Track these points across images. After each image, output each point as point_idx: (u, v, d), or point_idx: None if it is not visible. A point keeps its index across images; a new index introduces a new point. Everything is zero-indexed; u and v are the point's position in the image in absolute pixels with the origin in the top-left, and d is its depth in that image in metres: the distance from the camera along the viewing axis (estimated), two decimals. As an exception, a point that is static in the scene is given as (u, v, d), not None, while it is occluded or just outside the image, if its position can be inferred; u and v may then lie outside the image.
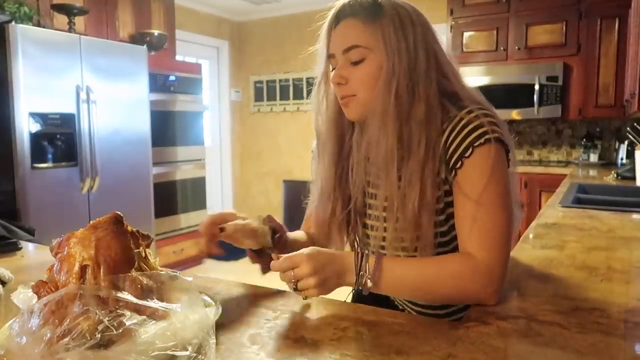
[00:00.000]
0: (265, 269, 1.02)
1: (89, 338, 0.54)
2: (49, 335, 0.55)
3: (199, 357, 0.57)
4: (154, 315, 0.59)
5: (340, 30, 0.92)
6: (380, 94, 0.88)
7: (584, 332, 0.73)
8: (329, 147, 1.01)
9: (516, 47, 3.86)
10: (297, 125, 5.40)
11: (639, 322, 0.78)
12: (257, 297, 0.90)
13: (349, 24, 0.91)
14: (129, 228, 0.69)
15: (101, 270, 0.63)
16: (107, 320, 0.56)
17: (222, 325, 0.75)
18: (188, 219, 4.03)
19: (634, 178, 2.64)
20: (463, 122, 0.86)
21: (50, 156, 2.85)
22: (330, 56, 0.95)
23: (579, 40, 3.69)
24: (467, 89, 0.93)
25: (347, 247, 1.07)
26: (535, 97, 3.75)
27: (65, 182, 2.94)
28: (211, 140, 5.46)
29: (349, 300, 1.07)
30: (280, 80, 5.47)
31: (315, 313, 0.82)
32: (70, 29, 3.11)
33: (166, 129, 3.82)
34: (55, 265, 0.66)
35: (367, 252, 0.86)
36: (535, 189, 3.57)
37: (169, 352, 0.55)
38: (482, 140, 0.84)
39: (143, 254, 0.70)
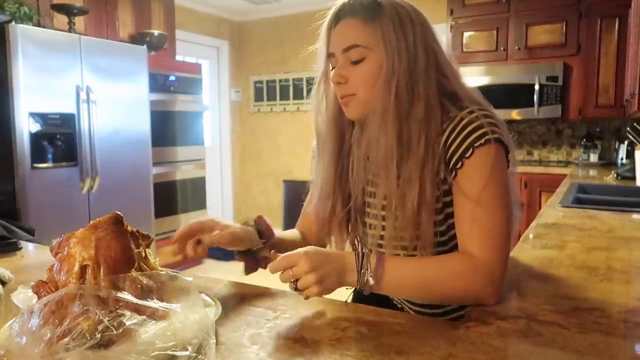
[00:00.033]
0: (248, 269, 1.02)
1: (89, 338, 0.54)
2: (49, 335, 0.55)
3: (199, 357, 0.57)
4: (154, 315, 0.59)
5: (340, 29, 0.92)
6: (380, 93, 0.88)
7: (584, 332, 0.73)
8: (328, 146, 1.01)
9: (516, 47, 3.86)
10: (297, 125, 5.40)
11: (639, 322, 0.78)
12: (257, 297, 0.90)
13: (349, 23, 0.91)
14: (129, 228, 0.69)
15: (101, 270, 0.63)
16: (107, 320, 0.56)
17: (222, 325, 0.75)
18: (188, 219, 4.01)
19: (634, 178, 2.64)
20: (463, 122, 0.86)
21: (50, 156, 2.85)
22: (330, 55, 0.95)
23: (579, 40, 3.69)
24: (466, 89, 0.94)
25: (347, 247, 1.07)
26: (535, 97, 3.75)
27: (65, 182, 2.94)
28: (211, 140, 5.46)
29: (349, 300, 1.07)
30: (280, 80, 5.47)
31: (315, 313, 0.82)
32: (70, 29, 3.11)
33: (166, 129, 3.82)
34: (55, 265, 0.66)
35: (366, 251, 0.86)
36: (535, 189, 3.57)
37: (169, 352, 0.55)
38: (482, 140, 0.85)
39: (143, 254, 0.70)
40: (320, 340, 0.71)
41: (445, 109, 0.90)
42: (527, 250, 1.23)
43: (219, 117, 5.59)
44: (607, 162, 3.86)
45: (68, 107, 2.93)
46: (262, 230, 1.03)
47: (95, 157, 3.07)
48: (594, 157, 3.88)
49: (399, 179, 0.89)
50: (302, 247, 0.83)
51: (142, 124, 3.41)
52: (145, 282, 0.63)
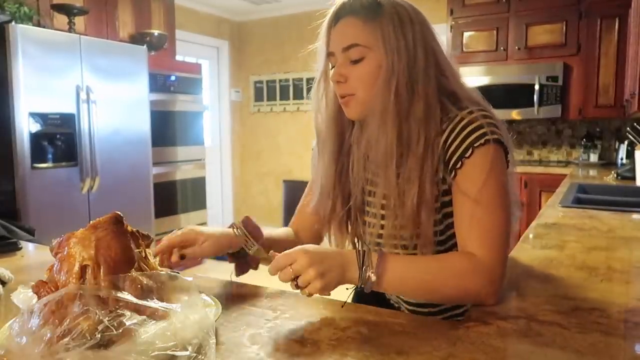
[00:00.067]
0: (239, 272, 1.01)
1: (89, 338, 0.54)
2: (49, 335, 0.55)
3: (199, 357, 0.57)
4: (154, 315, 0.59)
5: (340, 28, 0.92)
6: (380, 93, 0.89)
7: (584, 332, 0.73)
8: (328, 145, 1.02)
9: (516, 47, 3.86)
10: (297, 125, 5.40)
11: (639, 322, 0.78)
12: (257, 297, 0.90)
13: (349, 23, 0.91)
14: (129, 228, 0.69)
15: (101, 270, 0.63)
16: (107, 320, 0.56)
17: (222, 325, 0.75)
18: (188, 219, 4.03)
19: (634, 178, 2.64)
20: (463, 122, 0.87)
21: (50, 156, 2.85)
22: (329, 54, 0.95)
23: (579, 40, 3.69)
24: (466, 89, 0.94)
25: (347, 245, 1.07)
26: (535, 97, 3.75)
27: (65, 182, 2.94)
28: (211, 140, 5.46)
29: (349, 300, 1.07)
30: (280, 80, 5.47)
31: (315, 313, 0.82)
32: (70, 29, 3.11)
33: (166, 129, 3.82)
34: (55, 265, 0.66)
35: (367, 248, 0.86)
36: (535, 189, 3.57)
37: (169, 352, 0.55)
38: (482, 141, 0.85)
39: (143, 254, 0.70)
40: (320, 340, 0.71)
41: (444, 109, 0.90)
42: (527, 250, 1.23)
43: (219, 117, 5.60)
44: (607, 162, 3.86)
45: (68, 107, 2.93)
46: (249, 232, 1.02)
47: (95, 157, 3.07)
48: (594, 157, 3.88)
49: (398, 178, 0.89)
50: (294, 246, 0.83)
51: (142, 124, 3.41)
52: (145, 282, 0.63)
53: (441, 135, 0.88)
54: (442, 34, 3.97)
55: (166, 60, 3.95)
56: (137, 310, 0.59)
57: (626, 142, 3.49)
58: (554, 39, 3.75)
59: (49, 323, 0.57)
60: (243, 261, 1.01)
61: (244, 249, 0.98)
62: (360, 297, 1.15)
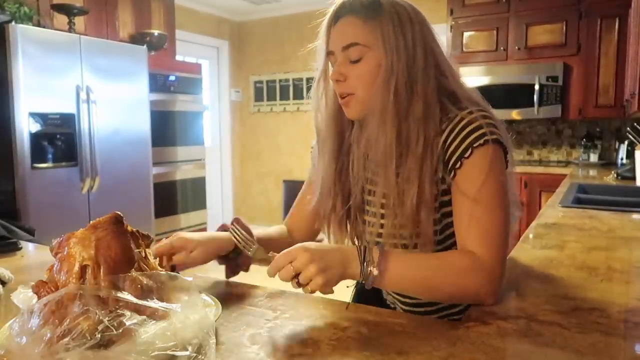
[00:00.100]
0: (229, 273, 1.01)
1: (89, 338, 0.54)
2: (49, 335, 0.55)
3: (199, 357, 0.57)
4: (154, 315, 0.59)
5: (340, 27, 0.92)
6: (379, 92, 0.89)
7: (584, 332, 0.73)
8: (328, 144, 1.02)
9: (516, 47, 3.86)
10: (297, 125, 5.40)
11: (639, 322, 0.78)
12: (257, 297, 0.90)
13: (348, 22, 0.91)
14: (129, 228, 0.69)
15: (101, 270, 0.63)
16: (107, 320, 0.56)
17: (222, 325, 0.75)
18: (188, 219, 4.03)
19: (634, 178, 2.64)
20: (463, 123, 0.87)
21: (50, 156, 2.85)
22: (329, 53, 0.95)
23: (579, 40, 3.69)
24: (465, 89, 0.94)
25: (347, 244, 1.07)
26: (535, 97, 3.75)
27: (65, 182, 2.94)
28: (211, 140, 5.46)
29: (350, 299, 1.07)
30: (280, 80, 5.47)
31: (315, 313, 0.82)
32: (70, 29, 3.11)
33: (166, 129, 3.82)
34: (55, 265, 0.66)
35: (367, 244, 0.86)
36: (535, 189, 3.57)
37: (169, 352, 0.55)
38: (481, 141, 0.85)
39: (143, 254, 0.70)
40: (320, 340, 0.71)
41: (444, 109, 0.90)
42: (527, 250, 1.23)
43: (219, 117, 5.59)
44: (607, 162, 3.86)
45: (68, 107, 2.93)
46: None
47: (95, 157, 3.06)
48: (594, 157, 3.88)
49: (397, 177, 0.89)
50: (288, 246, 0.83)
51: (142, 124, 3.41)
52: (145, 282, 0.63)
53: (440, 135, 0.89)
54: (442, 34, 3.97)
55: (166, 60, 3.95)
56: (137, 310, 0.59)
57: (626, 142, 3.49)
58: (554, 39, 3.75)
59: (49, 323, 0.57)
60: (234, 263, 1.00)
61: (236, 250, 0.97)
62: (360, 297, 1.15)
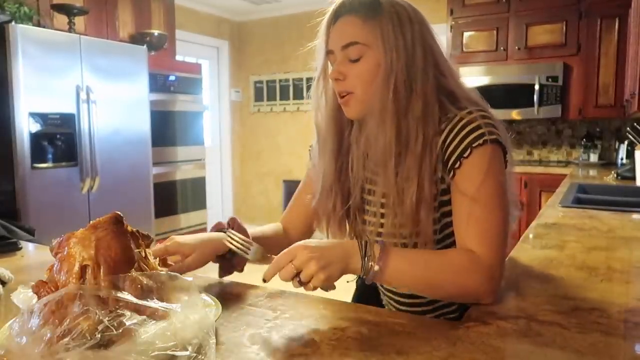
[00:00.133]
0: (223, 272, 1.01)
1: (89, 338, 0.54)
2: (49, 335, 0.55)
3: (199, 357, 0.57)
4: (154, 315, 0.59)
5: (339, 26, 0.92)
6: (379, 91, 0.89)
7: (584, 332, 0.73)
8: (328, 143, 1.02)
9: (516, 47, 3.86)
10: (297, 125, 5.40)
11: (639, 322, 0.78)
12: (257, 297, 0.90)
13: (348, 21, 0.91)
14: (129, 228, 0.69)
15: (101, 270, 0.63)
16: (107, 320, 0.56)
17: (222, 325, 0.75)
18: (188, 219, 4.03)
19: (634, 178, 2.64)
20: (462, 122, 0.87)
21: (50, 156, 2.85)
22: (328, 52, 0.95)
23: (579, 40, 3.69)
24: (464, 88, 0.94)
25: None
26: (535, 97, 3.75)
27: (65, 182, 2.94)
28: (211, 140, 5.46)
29: (348, 300, 1.07)
30: (280, 80, 5.47)
31: (315, 313, 0.82)
32: (70, 29, 3.11)
33: (166, 129, 3.81)
34: (55, 265, 0.66)
35: (368, 240, 0.86)
36: (535, 189, 3.57)
37: (169, 352, 0.55)
38: (480, 141, 0.85)
39: (143, 254, 0.70)
40: (320, 340, 0.71)
41: (443, 108, 0.90)
42: (527, 250, 1.23)
43: (219, 117, 5.59)
44: (607, 162, 3.86)
45: (68, 107, 2.93)
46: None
47: (95, 157, 3.06)
48: (594, 157, 3.88)
49: (397, 176, 0.89)
50: (284, 245, 0.82)
51: (142, 124, 3.41)
52: (145, 282, 0.63)
53: (440, 135, 0.89)
54: (442, 34, 3.97)
55: (166, 60, 3.95)
56: (137, 310, 0.59)
57: (626, 142, 3.49)
58: (554, 39, 3.75)
59: (49, 323, 0.57)
60: (228, 263, 1.00)
61: (232, 251, 0.97)
62: (361, 297, 1.15)
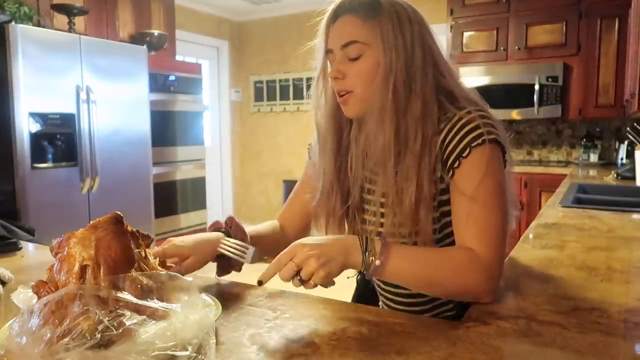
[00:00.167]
0: (220, 272, 1.01)
1: (89, 338, 0.54)
2: (49, 335, 0.55)
3: (199, 357, 0.57)
4: (154, 315, 0.59)
5: (339, 26, 0.93)
6: (378, 90, 0.89)
7: (584, 332, 0.73)
8: (328, 142, 1.02)
9: (516, 47, 3.86)
10: (297, 125, 5.40)
11: (639, 322, 0.78)
12: (257, 297, 0.90)
13: (348, 20, 0.91)
14: (129, 228, 0.69)
15: (101, 270, 0.63)
16: (107, 320, 0.56)
17: (222, 325, 0.75)
18: (188, 219, 4.03)
19: (634, 178, 2.64)
20: (461, 122, 0.88)
21: (50, 156, 2.85)
22: (328, 51, 0.95)
23: (579, 40, 3.69)
24: (463, 88, 0.95)
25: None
26: (535, 97, 3.75)
27: (65, 182, 2.94)
28: (211, 140, 5.46)
29: (349, 300, 1.07)
30: (280, 80, 5.47)
31: (315, 313, 0.82)
32: (70, 29, 3.11)
33: (166, 129, 3.81)
34: (55, 265, 0.66)
35: (369, 236, 0.86)
36: (535, 189, 3.57)
37: (169, 352, 0.55)
38: (479, 140, 0.86)
39: (143, 254, 0.70)
40: (320, 340, 0.71)
41: (442, 108, 0.91)
42: (527, 250, 1.23)
43: (219, 117, 5.59)
44: (607, 162, 3.86)
45: (68, 107, 2.93)
46: (233, 233, 1.02)
47: (95, 157, 3.06)
48: (594, 157, 3.88)
49: (396, 175, 0.89)
50: (280, 243, 0.82)
51: (142, 124, 3.41)
52: (145, 282, 0.63)
53: (439, 134, 0.89)
54: (442, 34, 3.97)
55: (166, 60, 3.95)
56: (137, 310, 0.59)
57: (626, 142, 3.49)
58: (554, 39, 3.75)
59: (49, 323, 0.57)
60: (226, 263, 1.00)
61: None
62: (360, 298, 1.15)
